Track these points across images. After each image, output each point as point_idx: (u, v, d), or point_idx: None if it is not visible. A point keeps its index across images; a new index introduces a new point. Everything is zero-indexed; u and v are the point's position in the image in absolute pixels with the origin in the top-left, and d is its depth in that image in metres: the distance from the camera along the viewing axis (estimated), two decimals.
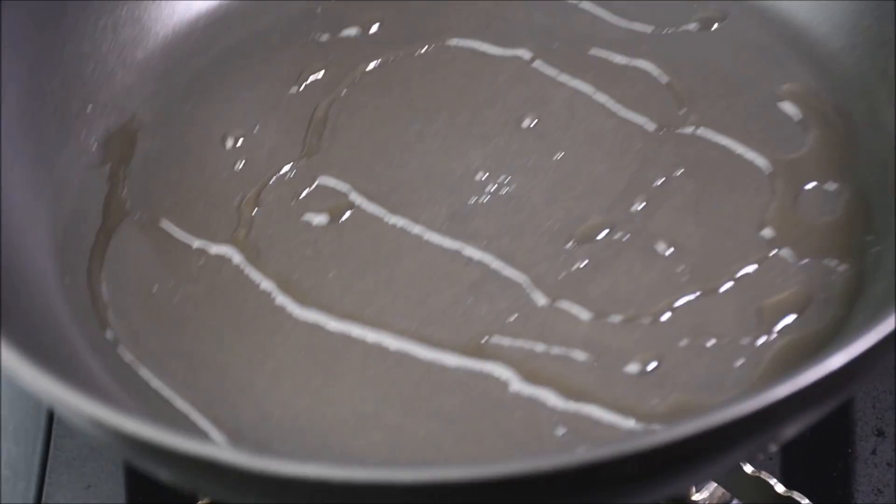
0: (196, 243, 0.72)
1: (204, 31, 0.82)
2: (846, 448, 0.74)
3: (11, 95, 0.73)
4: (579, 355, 0.66)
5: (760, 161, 0.73)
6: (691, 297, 0.67)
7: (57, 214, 0.73)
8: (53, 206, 0.73)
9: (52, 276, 0.71)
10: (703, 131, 0.74)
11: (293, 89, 0.79)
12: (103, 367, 0.68)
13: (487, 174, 0.74)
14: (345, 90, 0.79)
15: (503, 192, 0.73)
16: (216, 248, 0.72)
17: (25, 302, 0.68)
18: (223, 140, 0.77)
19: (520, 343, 0.66)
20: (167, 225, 0.73)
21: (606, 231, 0.70)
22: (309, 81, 0.79)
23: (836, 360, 0.51)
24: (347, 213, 0.73)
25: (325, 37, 0.82)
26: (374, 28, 0.82)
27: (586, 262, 0.69)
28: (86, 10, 0.78)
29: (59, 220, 0.73)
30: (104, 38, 0.79)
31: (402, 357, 0.67)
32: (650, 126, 0.75)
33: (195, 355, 0.68)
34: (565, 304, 0.68)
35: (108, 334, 0.69)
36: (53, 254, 0.72)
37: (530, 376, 0.65)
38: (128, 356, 0.68)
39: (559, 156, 0.74)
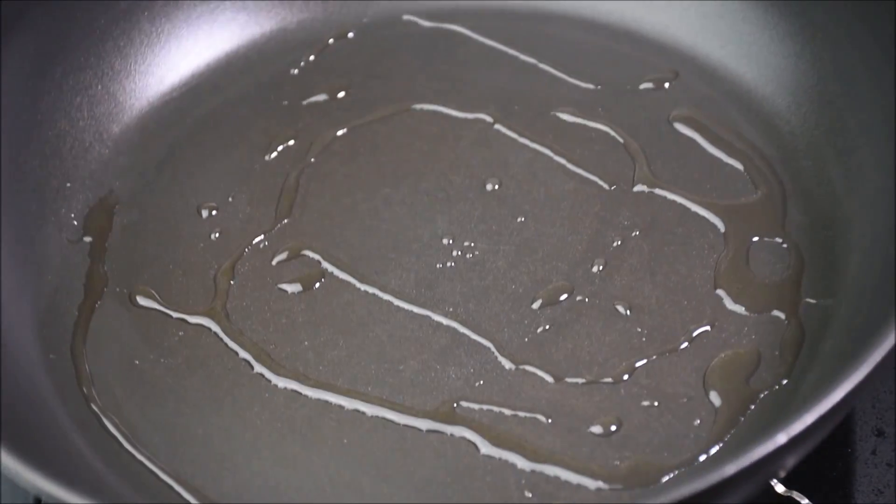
0: (175, 315, 0.75)
1: (177, 102, 0.85)
2: (846, 448, 0.74)
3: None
4: (544, 418, 0.69)
5: (713, 219, 0.76)
6: (650, 357, 0.70)
7: (40, 290, 0.76)
8: (36, 283, 0.76)
9: (37, 352, 0.74)
10: (658, 191, 0.77)
11: (264, 158, 0.82)
12: (87, 441, 0.71)
13: (453, 239, 0.77)
14: (314, 157, 0.82)
15: (468, 256, 0.76)
16: (194, 320, 0.75)
17: (10, 381, 0.70)
18: (198, 210, 0.80)
19: (488, 407, 0.70)
20: (146, 298, 0.76)
21: (568, 294, 0.74)
22: (279, 149, 0.82)
23: (780, 438, 0.54)
24: (320, 282, 0.76)
25: (294, 104, 0.84)
26: (341, 94, 0.85)
27: (549, 325, 0.72)
28: (62, 90, 0.81)
29: (41, 295, 0.76)
30: (80, 115, 0.82)
31: (377, 423, 0.70)
32: (608, 187, 0.78)
33: (177, 427, 0.71)
34: (530, 368, 0.71)
35: (93, 408, 0.72)
36: (37, 330, 0.75)
37: (498, 440, 0.68)
38: (112, 430, 0.71)
39: (521, 219, 0.77)
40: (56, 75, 0.81)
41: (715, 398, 0.69)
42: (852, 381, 0.57)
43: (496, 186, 0.79)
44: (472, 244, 0.76)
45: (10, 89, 0.78)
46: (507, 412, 0.69)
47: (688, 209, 0.77)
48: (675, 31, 0.84)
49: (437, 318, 0.74)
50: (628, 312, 0.72)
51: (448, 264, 0.76)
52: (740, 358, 0.70)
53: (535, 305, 0.73)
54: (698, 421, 0.68)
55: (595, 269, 0.75)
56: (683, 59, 0.83)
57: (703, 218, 0.76)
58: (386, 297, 0.75)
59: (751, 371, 0.69)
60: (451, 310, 0.74)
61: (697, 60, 0.83)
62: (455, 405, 0.70)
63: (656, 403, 0.69)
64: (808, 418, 0.55)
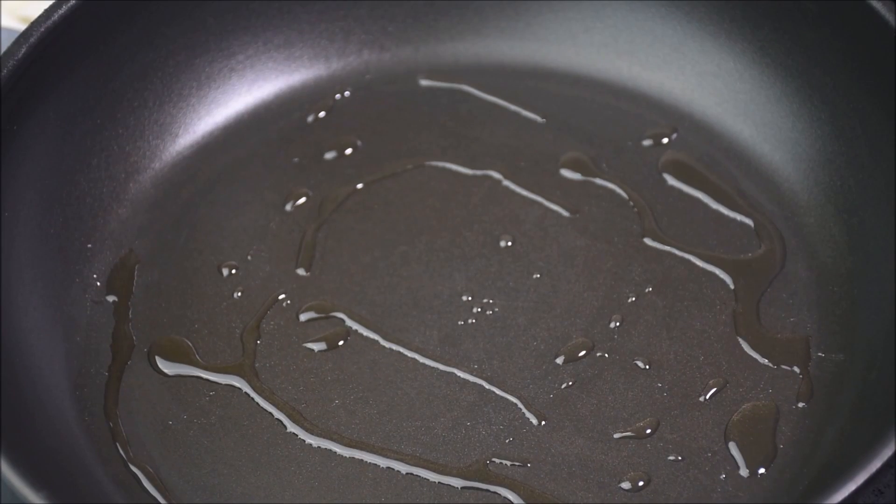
0: (203, 376, 0.77)
1: (189, 160, 0.86)
2: None
3: (22, 243, 0.77)
4: (575, 474, 0.72)
5: (722, 275, 0.79)
6: (673, 412, 0.74)
7: (70, 353, 0.77)
8: (66, 345, 0.78)
9: (73, 415, 0.75)
10: (667, 247, 0.81)
11: (279, 215, 0.84)
12: (127, 500, 0.72)
13: (472, 296, 0.79)
14: (329, 215, 0.84)
15: (488, 313, 0.78)
16: (224, 380, 0.77)
17: (50, 444, 0.72)
18: (219, 269, 0.81)
19: (520, 464, 0.72)
20: (174, 358, 0.78)
21: (588, 350, 0.76)
22: (294, 207, 0.84)
23: None
24: (345, 340, 0.78)
25: (304, 161, 0.86)
26: (349, 151, 0.87)
27: (572, 381, 0.75)
28: (80, 151, 0.82)
29: (72, 358, 0.77)
30: (98, 175, 0.83)
31: (412, 481, 0.72)
32: (619, 244, 0.81)
33: (216, 488, 0.73)
34: (557, 424, 0.74)
35: (132, 469, 0.73)
36: (71, 392, 0.76)
37: (532, 496, 0.71)
38: (151, 490, 0.73)
39: (537, 275, 0.80)
40: (75, 137, 0.82)
41: (736, 452, 0.72)
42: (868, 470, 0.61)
43: (510, 243, 0.82)
44: (491, 301, 0.79)
45: (33, 154, 0.79)
46: (538, 468, 0.72)
47: (697, 265, 0.80)
48: (672, 88, 0.87)
49: (463, 375, 0.76)
50: (648, 367, 0.76)
51: (469, 321, 0.78)
52: (759, 411, 0.73)
53: (559, 361, 0.76)
54: (724, 475, 0.71)
55: (612, 325, 0.77)
56: (681, 115, 0.86)
57: (712, 273, 0.79)
58: (411, 354, 0.77)
59: (770, 425, 0.73)
60: (476, 367, 0.76)
61: (695, 117, 0.86)
62: (487, 462, 0.72)
63: (681, 458, 0.72)
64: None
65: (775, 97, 0.84)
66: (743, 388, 0.74)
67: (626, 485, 0.71)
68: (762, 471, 0.71)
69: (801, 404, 0.73)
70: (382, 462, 0.73)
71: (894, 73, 0.77)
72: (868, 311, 0.75)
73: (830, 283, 0.78)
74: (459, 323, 0.78)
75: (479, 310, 0.79)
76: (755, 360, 0.75)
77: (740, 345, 0.76)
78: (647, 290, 0.79)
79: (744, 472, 0.71)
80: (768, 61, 0.85)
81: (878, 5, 0.78)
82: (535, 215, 0.83)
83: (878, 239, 0.77)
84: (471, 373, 0.76)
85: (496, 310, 0.79)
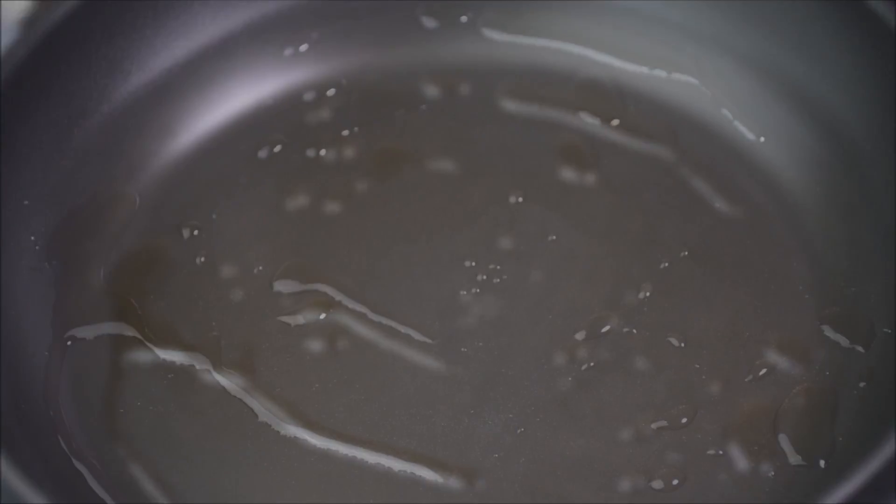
0: (203, 376, 0.77)
1: (189, 161, 0.86)
2: None
3: (21, 243, 0.78)
4: (583, 475, 0.72)
5: (727, 280, 0.79)
6: (672, 418, 0.73)
7: (69, 353, 0.77)
8: (66, 345, 0.78)
9: (73, 415, 0.75)
10: (668, 247, 0.80)
11: (278, 215, 0.84)
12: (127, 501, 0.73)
13: (472, 296, 0.79)
14: (328, 215, 0.84)
15: (489, 312, 0.78)
16: (223, 381, 0.77)
17: (50, 443, 0.72)
18: (219, 270, 0.81)
19: (521, 463, 0.72)
20: (175, 357, 0.78)
21: (586, 351, 0.76)
22: (292, 207, 0.84)
23: None
24: (344, 340, 0.78)
25: (301, 161, 0.86)
26: (348, 151, 0.87)
27: (572, 380, 0.75)
28: (80, 152, 0.82)
29: (71, 358, 0.77)
30: (98, 177, 0.83)
31: (411, 480, 0.72)
32: (620, 246, 0.81)
33: (217, 491, 0.73)
34: (560, 423, 0.74)
35: (132, 472, 0.73)
36: (70, 392, 0.76)
37: (536, 497, 0.71)
38: (152, 491, 0.73)
39: (537, 276, 0.80)
40: (76, 138, 0.82)
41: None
42: None
43: (509, 243, 0.81)
44: (491, 300, 0.79)
45: (33, 155, 0.79)
46: (542, 468, 0.72)
47: (697, 264, 0.80)
48: (672, 88, 0.87)
49: (462, 374, 0.76)
50: (648, 368, 0.75)
51: (469, 321, 0.78)
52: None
53: (557, 361, 0.76)
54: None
55: (612, 326, 0.77)
56: (681, 115, 0.86)
57: (716, 276, 0.79)
58: (410, 354, 0.77)
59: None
60: (475, 365, 0.76)
61: (695, 117, 0.86)
62: (488, 461, 0.72)
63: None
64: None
65: (773, 99, 0.84)
66: (776, 385, 0.73)
67: (657, 484, 0.70)
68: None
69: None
70: (382, 461, 0.73)
71: (894, 73, 0.77)
72: (868, 310, 0.75)
73: (830, 283, 0.78)
74: (459, 323, 0.78)
75: (480, 309, 0.79)
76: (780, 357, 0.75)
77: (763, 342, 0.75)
78: (648, 293, 0.78)
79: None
80: (768, 61, 0.85)
81: (878, 5, 0.78)
82: (535, 216, 0.83)
83: (878, 239, 0.77)
84: (471, 372, 0.76)
85: (497, 309, 0.78)
